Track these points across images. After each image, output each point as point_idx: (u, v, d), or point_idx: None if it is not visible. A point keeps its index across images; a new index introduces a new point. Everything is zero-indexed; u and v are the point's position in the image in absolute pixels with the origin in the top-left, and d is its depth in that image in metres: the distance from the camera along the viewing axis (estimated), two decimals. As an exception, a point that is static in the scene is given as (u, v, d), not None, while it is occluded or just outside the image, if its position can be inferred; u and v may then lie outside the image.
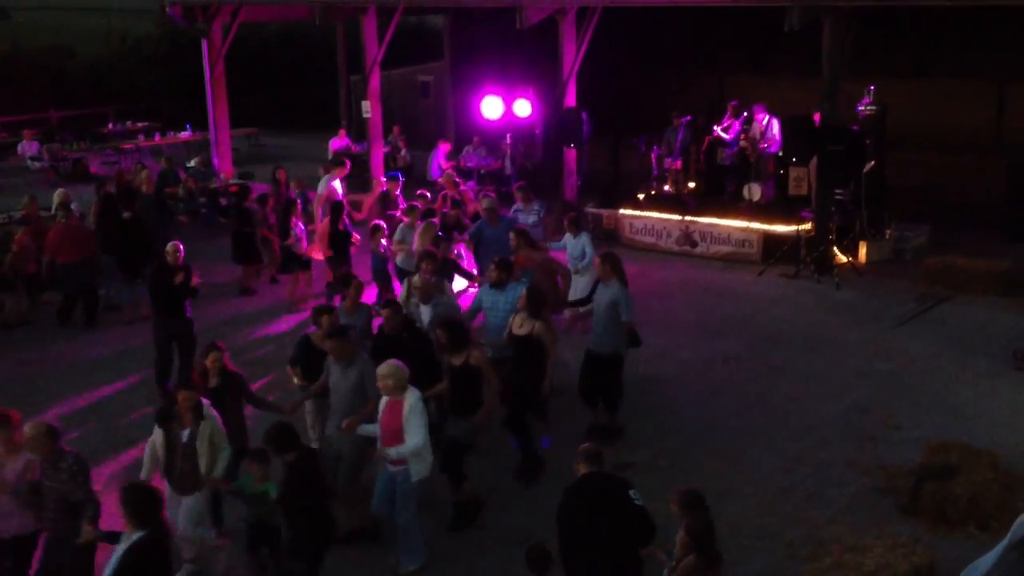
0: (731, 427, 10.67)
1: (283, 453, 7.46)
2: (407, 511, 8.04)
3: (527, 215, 13.88)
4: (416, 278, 10.51)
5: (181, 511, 7.95)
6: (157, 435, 8.05)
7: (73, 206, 15.35)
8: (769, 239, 16.37)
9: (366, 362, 8.53)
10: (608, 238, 17.88)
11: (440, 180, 16.55)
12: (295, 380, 9.48)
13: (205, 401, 8.10)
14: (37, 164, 24.97)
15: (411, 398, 7.88)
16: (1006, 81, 19.84)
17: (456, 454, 8.76)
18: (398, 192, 16.01)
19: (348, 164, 17.01)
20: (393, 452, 7.85)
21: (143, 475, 8.05)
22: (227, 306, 15.04)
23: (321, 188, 16.20)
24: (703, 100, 20.68)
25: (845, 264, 15.67)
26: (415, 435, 7.81)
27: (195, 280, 11.60)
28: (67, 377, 12.51)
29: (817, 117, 15.73)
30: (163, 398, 9.28)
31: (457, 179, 16.23)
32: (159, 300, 11.55)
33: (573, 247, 12.87)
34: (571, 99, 18.19)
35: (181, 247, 11.71)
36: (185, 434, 7.96)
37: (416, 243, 12.47)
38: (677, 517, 6.68)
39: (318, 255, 14.37)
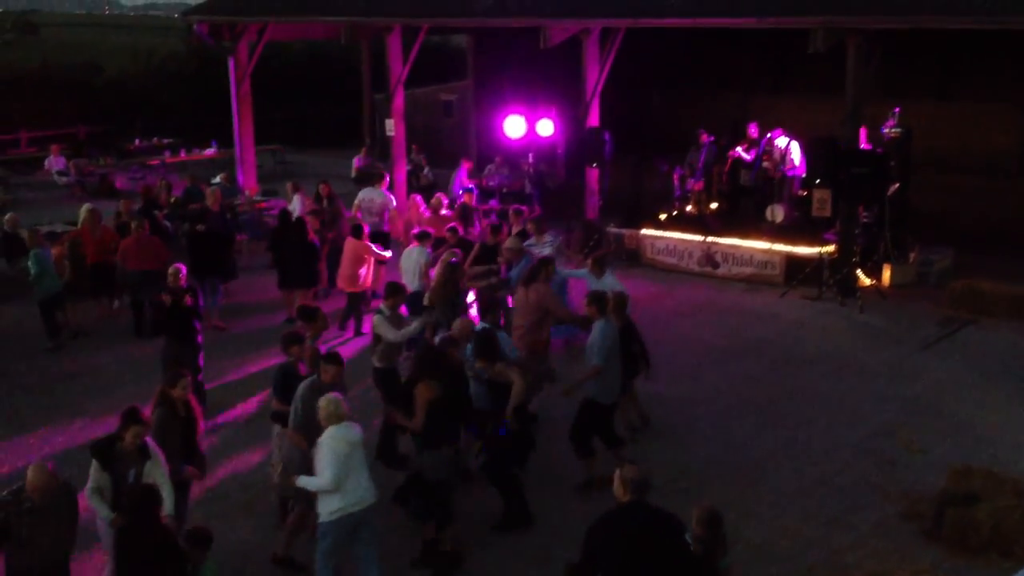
0: (752, 449, 10.61)
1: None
2: (317, 548, 7.77)
3: (541, 248, 13.74)
4: (458, 322, 9.96)
5: None
6: (102, 479, 7.45)
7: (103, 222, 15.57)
8: (792, 261, 16.32)
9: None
10: (630, 258, 17.89)
11: (453, 212, 16.61)
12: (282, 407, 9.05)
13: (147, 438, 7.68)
14: (64, 179, 25.24)
15: (325, 434, 7.59)
16: (1031, 105, 19.76)
17: (423, 491, 8.53)
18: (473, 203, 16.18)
19: (386, 176, 17.33)
20: (300, 480, 7.77)
21: (106, 519, 7.44)
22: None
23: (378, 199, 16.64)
24: (727, 120, 20.68)
25: (869, 287, 15.59)
26: (320, 472, 7.57)
27: (188, 301, 11.32)
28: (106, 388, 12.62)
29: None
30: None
31: (475, 203, 16.21)
32: (169, 324, 11.36)
33: (598, 287, 11.73)
34: (594, 119, 18.23)
35: (183, 269, 11.60)
36: (131, 474, 7.45)
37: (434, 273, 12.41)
38: (695, 535, 6.41)
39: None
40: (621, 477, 6.34)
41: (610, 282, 11.74)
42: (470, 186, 17.44)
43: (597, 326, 9.66)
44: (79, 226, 15.40)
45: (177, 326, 11.31)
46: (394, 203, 16.85)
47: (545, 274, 11.27)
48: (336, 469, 7.48)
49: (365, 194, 16.71)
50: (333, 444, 7.52)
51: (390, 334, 10.37)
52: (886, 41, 15.22)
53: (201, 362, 11.48)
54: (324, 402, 7.68)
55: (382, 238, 15.89)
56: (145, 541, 6.83)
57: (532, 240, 13.82)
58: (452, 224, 14.48)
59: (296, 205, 16.80)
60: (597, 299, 9.87)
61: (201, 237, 14.98)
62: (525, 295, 11.09)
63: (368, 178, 21.24)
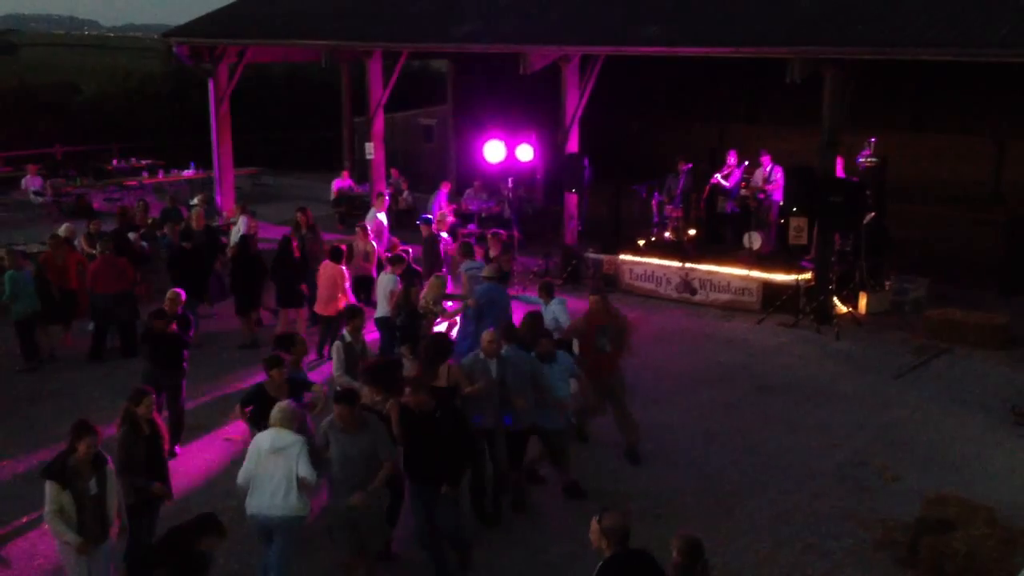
0: (728, 476, 10.62)
1: None
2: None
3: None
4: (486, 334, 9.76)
5: (102, 558, 7.59)
6: (63, 498, 7.33)
7: (76, 242, 15.44)
8: (769, 288, 16.40)
9: (376, 424, 8.26)
10: (607, 284, 17.92)
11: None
12: (245, 422, 9.20)
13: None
14: (40, 199, 25.07)
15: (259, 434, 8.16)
16: (1005, 137, 20.04)
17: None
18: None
19: (387, 196, 17.46)
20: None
21: (72, 543, 7.40)
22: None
23: (369, 223, 16.78)
24: (704, 148, 20.84)
25: (844, 314, 15.69)
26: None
27: (173, 328, 11.11)
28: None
29: (839, 163, 15.93)
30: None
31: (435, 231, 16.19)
32: (153, 349, 11.14)
33: (545, 314, 11.81)
34: (573, 145, 18.31)
35: (183, 296, 11.52)
36: (92, 485, 7.46)
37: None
38: (674, 564, 6.26)
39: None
40: (602, 528, 6.08)
41: (556, 309, 11.79)
42: (428, 216, 17.19)
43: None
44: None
45: (162, 352, 11.09)
46: (373, 223, 16.97)
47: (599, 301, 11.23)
48: (247, 467, 7.94)
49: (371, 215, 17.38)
50: (253, 443, 8.02)
51: (335, 365, 10.45)
52: (862, 72, 15.40)
53: (184, 390, 11.33)
54: (276, 407, 8.10)
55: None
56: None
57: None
58: (403, 247, 14.65)
59: (241, 227, 16.72)
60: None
61: (185, 255, 14.87)
62: None
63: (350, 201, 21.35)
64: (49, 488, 7.39)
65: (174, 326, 11.15)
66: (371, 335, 12.34)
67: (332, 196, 24.03)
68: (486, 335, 9.57)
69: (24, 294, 13.69)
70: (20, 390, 13.25)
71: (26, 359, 13.92)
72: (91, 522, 7.45)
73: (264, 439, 7.94)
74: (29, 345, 13.92)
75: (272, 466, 7.82)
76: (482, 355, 9.47)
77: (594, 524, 6.14)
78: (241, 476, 7.98)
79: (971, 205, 19.54)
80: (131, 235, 15.87)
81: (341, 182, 24.03)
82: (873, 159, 16.58)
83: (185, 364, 11.32)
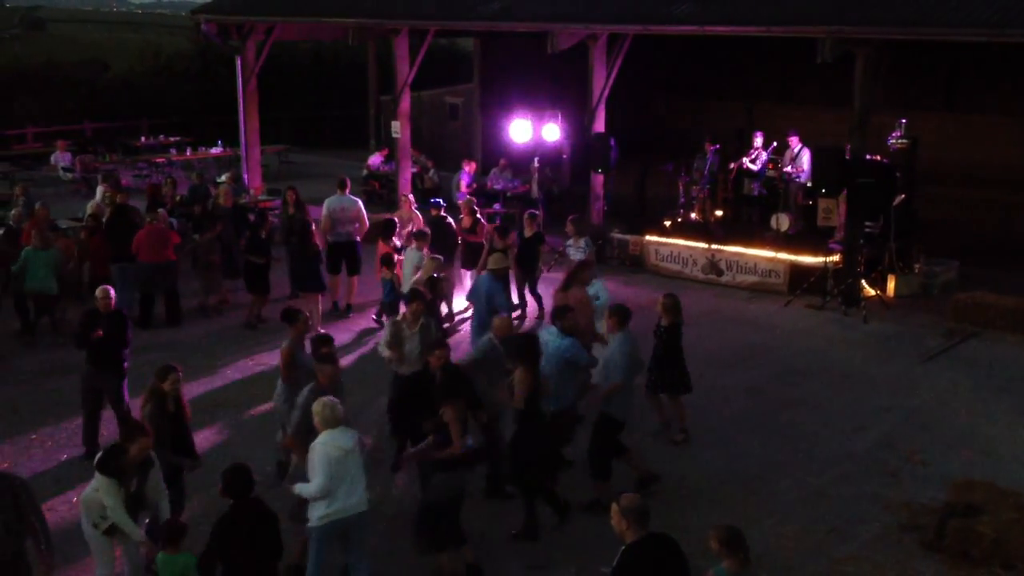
0: (754, 459, 10.60)
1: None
2: (309, 556, 7.68)
3: (575, 251, 13.61)
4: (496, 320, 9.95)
5: (133, 547, 7.63)
6: (122, 494, 7.31)
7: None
8: (796, 270, 16.30)
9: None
10: (634, 264, 17.89)
11: (461, 204, 16.52)
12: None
13: None
14: (69, 175, 25.26)
15: (319, 439, 7.46)
16: (1037, 118, 19.79)
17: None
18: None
19: (347, 181, 16.50)
20: (295, 488, 7.65)
21: (135, 538, 7.48)
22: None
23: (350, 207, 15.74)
24: (732, 129, 20.69)
25: (873, 297, 15.57)
26: (312, 479, 7.44)
27: (99, 333, 10.40)
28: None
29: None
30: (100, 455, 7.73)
31: (475, 207, 16.05)
32: (89, 348, 10.49)
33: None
34: (600, 124, 18.23)
35: (112, 293, 10.73)
36: (132, 484, 7.43)
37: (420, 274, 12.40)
38: (715, 554, 6.15)
39: None
40: (621, 509, 6.15)
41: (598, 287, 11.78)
42: (438, 200, 16.94)
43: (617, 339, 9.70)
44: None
45: (93, 353, 10.50)
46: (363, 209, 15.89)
47: (580, 279, 11.22)
48: (327, 476, 7.37)
49: (334, 203, 15.67)
50: (325, 449, 7.40)
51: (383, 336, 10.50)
52: (893, 52, 15.23)
53: (126, 393, 10.64)
54: (319, 406, 7.55)
55: (351, 247, 15.48)
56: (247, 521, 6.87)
57: (570, 241, 13.79)
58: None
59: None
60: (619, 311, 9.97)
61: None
62: (564, 299, 10.91)
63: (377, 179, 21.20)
64: (109, 483, 7.30)
65: (99, 332, 10.39)
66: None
67: (364, 171, 24.04)
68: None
69: (36, 271, 13.65)
70: (47, 361, 13.31)
71: (22, 332, 14.11)
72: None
73: (334, 442, 7.44)
74: (25, 318, 14.07)
75: (352, 466, 7.50)
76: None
77: (614, 507, 6.23)
78: (321, 488, 7.39)
79: (1003, 187, 19.30)
80: (160, 211, 15.93)
81: (376, 158, 24.06)
82: (903, 140, 16.40)
83: (125, 364, 10.65)
